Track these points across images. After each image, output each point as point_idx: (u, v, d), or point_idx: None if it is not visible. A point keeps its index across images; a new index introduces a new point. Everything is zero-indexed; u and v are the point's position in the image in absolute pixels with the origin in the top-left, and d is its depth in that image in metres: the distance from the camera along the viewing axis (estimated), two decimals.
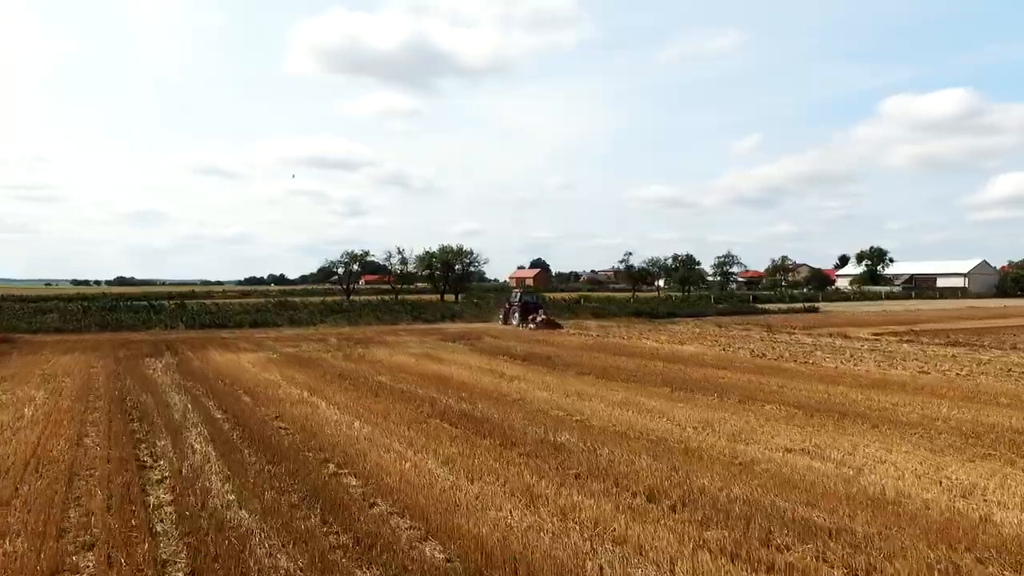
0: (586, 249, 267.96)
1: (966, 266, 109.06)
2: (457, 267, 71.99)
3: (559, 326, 36.52)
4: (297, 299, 53.61)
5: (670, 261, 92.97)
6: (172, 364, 20.02)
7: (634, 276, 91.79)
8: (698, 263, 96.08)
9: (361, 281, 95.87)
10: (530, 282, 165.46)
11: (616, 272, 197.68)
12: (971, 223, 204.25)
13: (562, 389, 15.24)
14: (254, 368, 18.99)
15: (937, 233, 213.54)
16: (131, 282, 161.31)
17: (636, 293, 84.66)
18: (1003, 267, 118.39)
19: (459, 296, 68.04)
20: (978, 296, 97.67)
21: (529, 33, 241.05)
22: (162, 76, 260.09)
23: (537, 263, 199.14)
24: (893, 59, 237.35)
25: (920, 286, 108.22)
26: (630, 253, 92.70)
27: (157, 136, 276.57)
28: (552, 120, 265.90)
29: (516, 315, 38.94)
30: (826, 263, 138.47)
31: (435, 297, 67.39)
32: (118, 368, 18.98)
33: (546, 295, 60.01)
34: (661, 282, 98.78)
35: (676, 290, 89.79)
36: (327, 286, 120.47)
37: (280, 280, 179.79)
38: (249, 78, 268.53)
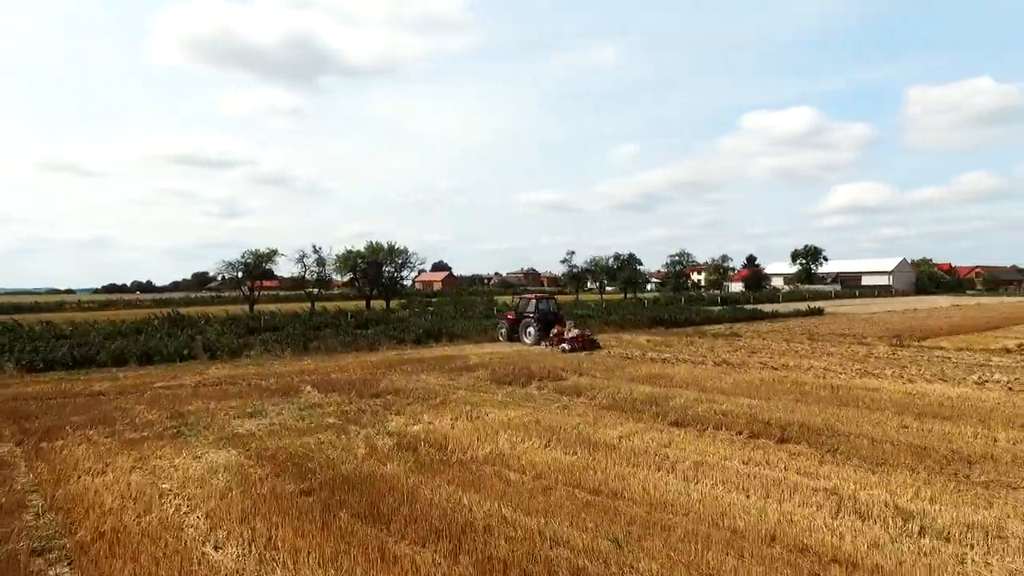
0: (477, 253, 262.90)
1: (890, 264, 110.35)
2: (388, 269, 59.92)
3: (598, 346, 26.21)
4: (191, 310, 39.18)
5: (611, 261, 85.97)
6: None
7: (578, 277, 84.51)
8: (640, 263, 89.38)
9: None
10: (438, 286, 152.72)
11: (525, 274, 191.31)
12: (816, 229, 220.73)
13: None
14: None
15: (788, 238, 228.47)
16: None
17: (578, 296, 77.68)
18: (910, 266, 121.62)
19: (390, 303, 57.11)
20: (904, 293, 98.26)
21: (418, 35, 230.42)
22: (3, 60, 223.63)
23: (441, 266, 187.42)
24: (752, 77, 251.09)
25: (847, 284, 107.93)
26: (572, 252, 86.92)
27: None
28: (443, 124, 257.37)
29: (532, 331, 28.14)
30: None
31: (359, 304, 55.39)
32: None
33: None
34: (589, 283, 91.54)
35: (613, 291, 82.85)
36: (206, 293, 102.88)
37: (147, 287, 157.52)
38: (106, 66, 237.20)
